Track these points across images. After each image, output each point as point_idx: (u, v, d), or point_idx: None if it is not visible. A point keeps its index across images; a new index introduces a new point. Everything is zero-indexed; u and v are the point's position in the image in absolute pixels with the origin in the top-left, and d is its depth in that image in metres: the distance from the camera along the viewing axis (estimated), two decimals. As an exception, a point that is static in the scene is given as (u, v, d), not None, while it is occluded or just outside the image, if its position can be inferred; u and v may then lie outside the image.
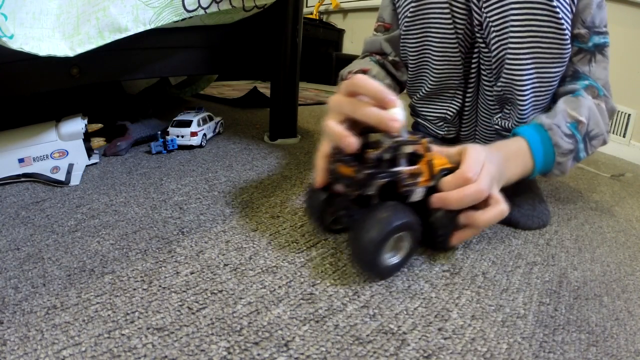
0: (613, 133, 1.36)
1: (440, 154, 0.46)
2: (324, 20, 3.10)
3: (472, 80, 0.65)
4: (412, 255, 0.44)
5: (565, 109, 0.54)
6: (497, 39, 0.56)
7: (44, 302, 0.36)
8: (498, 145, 0.53)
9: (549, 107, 0.59)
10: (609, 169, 1.05)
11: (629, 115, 1.31)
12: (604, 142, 0.58)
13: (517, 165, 0.52)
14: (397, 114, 0.39)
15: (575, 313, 0.41)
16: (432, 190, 0.44)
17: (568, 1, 0.52)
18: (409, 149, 0.41)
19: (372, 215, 0.39)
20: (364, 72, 0.67)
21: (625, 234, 0.62)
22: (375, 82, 0.40)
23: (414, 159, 0.42)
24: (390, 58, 0.71)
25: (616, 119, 1.35)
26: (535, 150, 0.53)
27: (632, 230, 0.64)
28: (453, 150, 0.47)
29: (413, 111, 0.74)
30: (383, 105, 0.39)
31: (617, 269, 0.51)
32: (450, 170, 0.45)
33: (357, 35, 2.93)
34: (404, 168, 0.41)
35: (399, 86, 0.73)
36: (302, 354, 0.32)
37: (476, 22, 0.58)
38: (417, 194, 0.43)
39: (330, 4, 3.02)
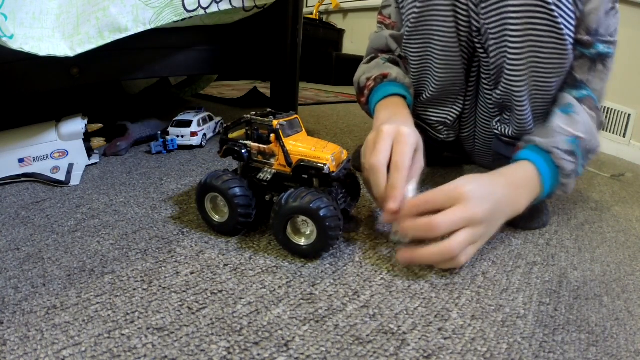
0: (613, 133, 1.36)
1: (304, 141, 0.47)
2: (324, 20, 3.10)
3: (472, 84, 0.65)
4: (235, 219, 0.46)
5: (561, 126, 0.52)
6: (495, 46, 0.55)
7: (44, 302, 0.36)
8: (504, 173, 0.50)
9: (547, 112, 0.58)
10: (609, 169, 1.05)
11: (629, 115, 1.31)
12: (596, 154, 0.57)
13: (529, 193, 0.50)
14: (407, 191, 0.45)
15: (575, 313, 0.41)
16: (284, 177, 0.46)
17: (571, 8, 0.50)
18: (263, 128, 0.46)
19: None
20: (384, 76, 0.65)
21: (625, 234, 0.62)
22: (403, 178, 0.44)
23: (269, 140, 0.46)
24: (397, 53, 0.70)
25: (616, 119, 1.35)
26: (544, 176, 0.50)
27: (632, 230, 0.64)
28: (447, 188, 0.43)
29: (413, 113, 0.74)
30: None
31: (617, 269, 0.51)
32: (312, 165, 0.44)
33: (357, 35, 2.93)
34: (252, 143, 0.47)
35: None
36: (302, 354, 0.32)
37: (474, 27, 0.57)
38: (266, 173, 0.47)
39: (330, 4, 3.02)
